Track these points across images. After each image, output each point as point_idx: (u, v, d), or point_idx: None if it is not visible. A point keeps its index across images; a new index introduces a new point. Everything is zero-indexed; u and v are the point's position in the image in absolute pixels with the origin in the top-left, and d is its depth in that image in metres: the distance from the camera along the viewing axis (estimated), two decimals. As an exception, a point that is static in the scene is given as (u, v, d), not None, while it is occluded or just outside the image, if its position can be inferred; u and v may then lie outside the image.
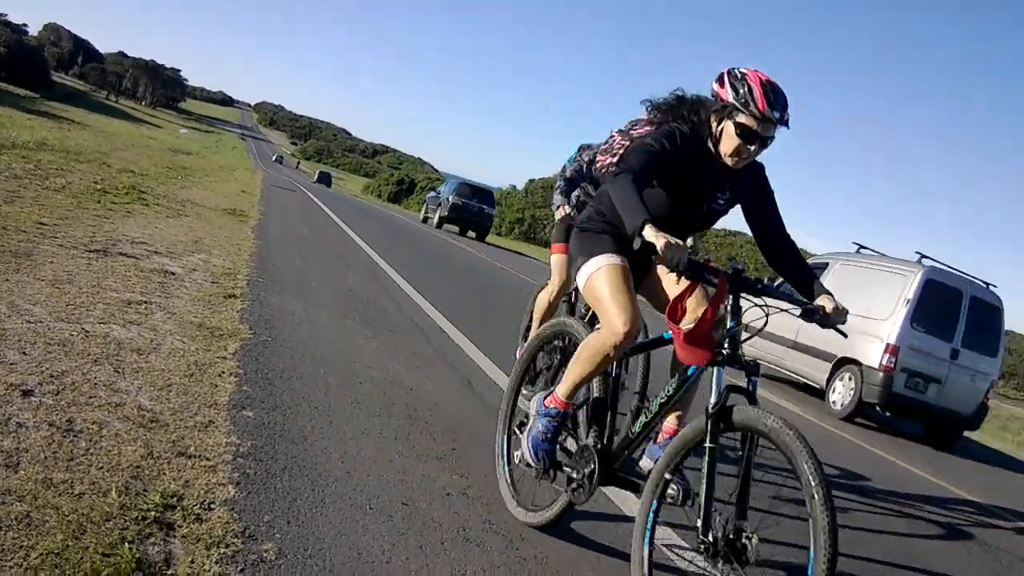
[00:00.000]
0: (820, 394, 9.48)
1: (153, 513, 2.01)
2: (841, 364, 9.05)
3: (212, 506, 2.16)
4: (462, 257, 16.39)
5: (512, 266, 18.04)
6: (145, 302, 4.21)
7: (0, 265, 4.04)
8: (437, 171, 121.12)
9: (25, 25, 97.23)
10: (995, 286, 9.25)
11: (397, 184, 65.15)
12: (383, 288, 7.70)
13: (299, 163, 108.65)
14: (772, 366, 10.36)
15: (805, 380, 9.87)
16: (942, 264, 9.20)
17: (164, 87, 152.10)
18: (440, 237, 21.65)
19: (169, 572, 1.81)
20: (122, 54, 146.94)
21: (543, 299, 4.52)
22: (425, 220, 29.54)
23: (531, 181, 51.65)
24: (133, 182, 11.07)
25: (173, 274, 5.23)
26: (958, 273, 9.19)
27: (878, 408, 8.83)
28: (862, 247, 10.32)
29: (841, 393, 8.96)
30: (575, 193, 4.69)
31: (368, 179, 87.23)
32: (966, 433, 10.08)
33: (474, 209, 26.91)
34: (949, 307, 8.70)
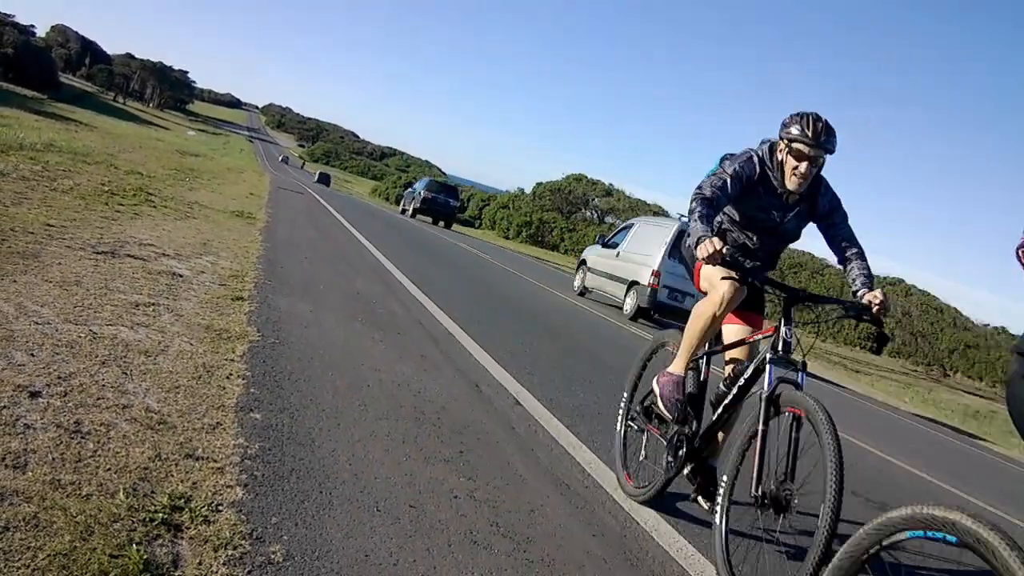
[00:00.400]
0: (621, 306, 14.07)
1: (161, 515, 2.01)
2: (631, 285, 13.59)
3: (220, 508, 2.16)
4: (468, 259, 16.39)
5: (520, 269, 18.04)
6: (153, 304, 4.22)
7: (8, 267, 4.05)
8: (444, 174, 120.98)
9: (32, 26, 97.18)
10: None
11: (405, 187, 65.19)
12: (390, 290, 7.70)
13: (304, 164, 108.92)
14: (598, 291, 15.14)
15: (613, 297, 14.40)
16: None
17: (172, 89, 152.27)
18: (445, 239, 21.68)
19: (176, 573, 1.81)
20: (130, 55, 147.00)
21: (705, 311, 3.48)
22: (403, 212, 34.37)
23: (539, 184, 51.74)
24: (141, 184, 11.12)
25: (181, 276, 5.24)
26: None
27: (652, 312, 13.23)
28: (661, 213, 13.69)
29: (630, 303, 13.61)
30: (717, 219, 3.62)
31: (376, 182, 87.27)
32: (973, 433, 10.55)
33: (441, 202, 32.22)
34: None
